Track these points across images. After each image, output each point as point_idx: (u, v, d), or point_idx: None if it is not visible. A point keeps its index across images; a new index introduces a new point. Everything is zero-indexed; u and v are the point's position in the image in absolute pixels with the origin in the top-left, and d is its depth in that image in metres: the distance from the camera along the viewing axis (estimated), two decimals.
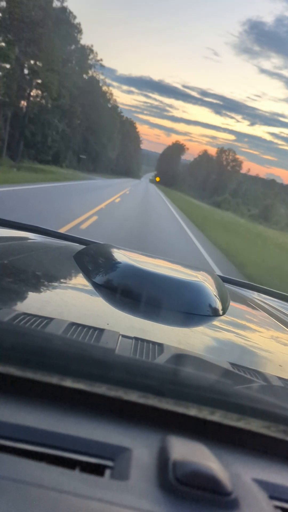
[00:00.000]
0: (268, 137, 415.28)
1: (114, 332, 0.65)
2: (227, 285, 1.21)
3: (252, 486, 0.41)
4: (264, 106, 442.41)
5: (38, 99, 28.98)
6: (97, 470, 0.38)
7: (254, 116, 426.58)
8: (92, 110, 43.61)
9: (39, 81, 27.02)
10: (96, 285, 0.85)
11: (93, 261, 1.01)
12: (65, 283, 0.96)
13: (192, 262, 6.08)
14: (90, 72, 47.61)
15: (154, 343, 0.65)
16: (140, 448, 0.42)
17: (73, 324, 0.63)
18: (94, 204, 14.43)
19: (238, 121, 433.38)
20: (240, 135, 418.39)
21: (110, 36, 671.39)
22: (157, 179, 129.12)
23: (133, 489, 0.36)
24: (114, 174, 74.48)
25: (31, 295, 0.81)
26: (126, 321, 0.76)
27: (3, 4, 23.07)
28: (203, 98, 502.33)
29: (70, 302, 0.81)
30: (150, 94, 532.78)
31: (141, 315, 0.78)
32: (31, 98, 28.34)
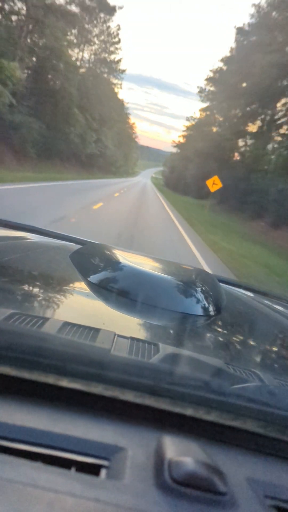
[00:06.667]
0: None
1: (110, 332, 0.64)
2: (222, 285, 1.22)
3: (247, 485, 0.41)
4: None
5: None
6: (93, 470, 0.38)
7: None
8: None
9: None
10: (92, 285, 0.84)
11: (89, 261, 1.01)
12: (61, 283, 0.95)
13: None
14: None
15: (150, 342, 0.65)
16: (136, 447, 0.42)
17: (69, 323, 0.63)
18: None
19: None
20: None
21: None
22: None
23: (129, 489, 0.36)
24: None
25: (27, 295, 0.80)
26: (122, 321, 0.76)
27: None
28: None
29: (66, 302, 0.81)
30: (151, 91, 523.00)
31: (137, 315, 0.78)
32: None
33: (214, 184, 22.03)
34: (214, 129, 38.23)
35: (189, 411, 0.47)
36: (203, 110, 43.41)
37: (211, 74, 38.11)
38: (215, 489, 0.37)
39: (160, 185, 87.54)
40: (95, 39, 41.22)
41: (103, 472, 0.38)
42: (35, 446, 0.39)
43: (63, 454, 0.39)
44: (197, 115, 51.59)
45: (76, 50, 38.55)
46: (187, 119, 54.62)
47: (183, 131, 61.24)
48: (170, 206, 25.31)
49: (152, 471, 0.39)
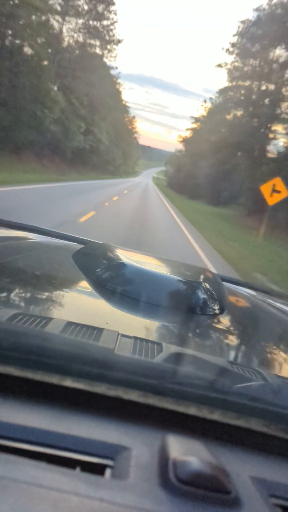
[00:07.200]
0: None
1: (113, 331, 0.63)
2: (225, 284, 1.21)
3: (251, 484, 0.41)
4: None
5: None
6: (98, 470, 0.38)
7: None
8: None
9: None
10: (94, 285, 0.85)
11: (91, 260, 1.01)
12: (63, 282, 0.95)
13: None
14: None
15: (153, 342, 0.65)
16: (140, 447, 0.42)
17: (72, 323, 0.62)
18: None
19: None
20: None
21: None
22: None
23: (134, 488, 0.36)
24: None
25: (30, 295, 0.80)
26: (125, 320, 0.76)
27: None
28: (204, 94, 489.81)
29: (69, 302, 0.81)
30: (151, 91, 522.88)
31: (140, 314, 0.78)
32: None
33: (274, 191, 12.23)
34: (240, 113, 28.22)
35: (192, 410, 0.47)
36: (222, 91, 33.54)
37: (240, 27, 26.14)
38: (219, 488, 0.37)
39: (162, 186, 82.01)
40: (83, 2, 31.29)
41: (107, 472, 0.38)
42: (39, 446, 0.39)
43: (67, 454, 0.39)
44: (207, 106, 42.05)
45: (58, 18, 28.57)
46: (197, 111, 43.94)
47: (192, 122, 52.08)
48: (190, 227, 15.23)
49: (157, 471, 0.39)
